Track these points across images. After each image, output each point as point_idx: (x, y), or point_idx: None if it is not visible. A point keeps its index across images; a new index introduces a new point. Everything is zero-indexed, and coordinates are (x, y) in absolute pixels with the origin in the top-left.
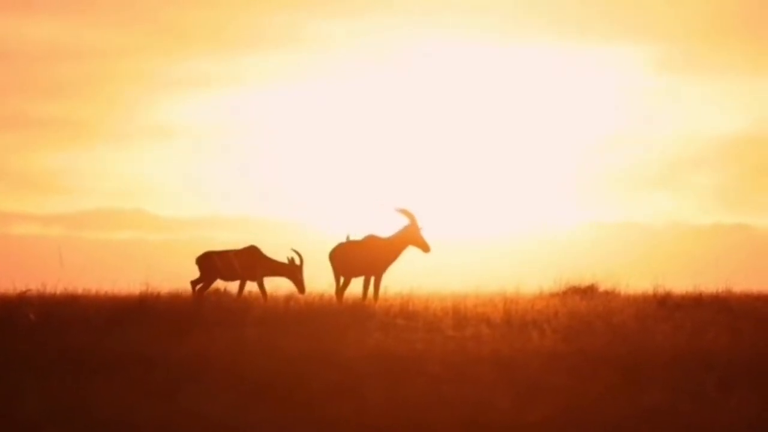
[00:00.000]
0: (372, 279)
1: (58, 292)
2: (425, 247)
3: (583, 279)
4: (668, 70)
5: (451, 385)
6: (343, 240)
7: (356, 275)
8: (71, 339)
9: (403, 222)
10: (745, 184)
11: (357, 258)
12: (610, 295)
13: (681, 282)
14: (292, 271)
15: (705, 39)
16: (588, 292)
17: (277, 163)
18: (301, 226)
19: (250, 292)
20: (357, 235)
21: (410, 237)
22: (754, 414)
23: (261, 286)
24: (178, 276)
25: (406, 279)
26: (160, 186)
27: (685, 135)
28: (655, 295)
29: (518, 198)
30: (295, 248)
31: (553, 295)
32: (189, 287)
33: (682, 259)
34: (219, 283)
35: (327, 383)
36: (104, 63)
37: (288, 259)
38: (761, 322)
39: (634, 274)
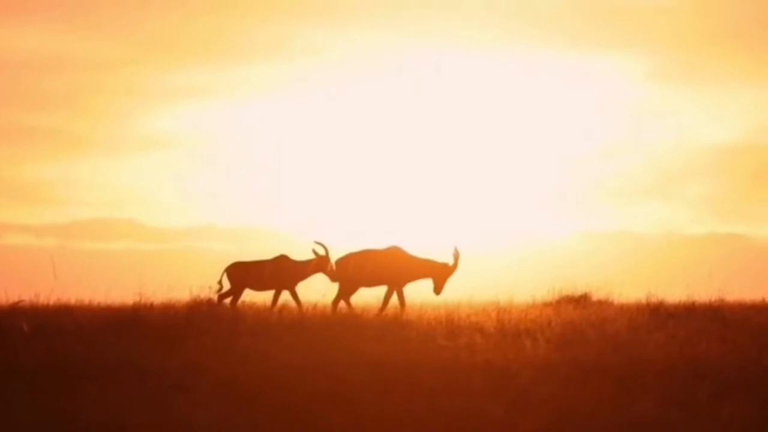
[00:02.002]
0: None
1: (51, 302)
2: (439, 290)
3: (577, 288)
4: (661, 80)
5: (445, 394)
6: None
7: (374, 285)
8: (64, 349)
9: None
10: (739, 193)
11: (377, 267)
12: (603, 305)
13: (674, 291)
14: (320, 264)
15: (698, 48)
16: (581, 301)
17: (269, 173)
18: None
19: (243, 302)
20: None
21: (437, 273)
22: (747, 424)
23: (294, 294)
24: (171, 286)
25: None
26: (152, 196)
27: (679, 144)
28: (648, 305)
29: (511, 207)
30: (317, 240)
31: (546, 305)
32: (181, 297)
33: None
34: (211, 293)
35: (320, 393)
36: (97, 74)
37: (313, 252)
38: (754, 332)
39: (628, 283)
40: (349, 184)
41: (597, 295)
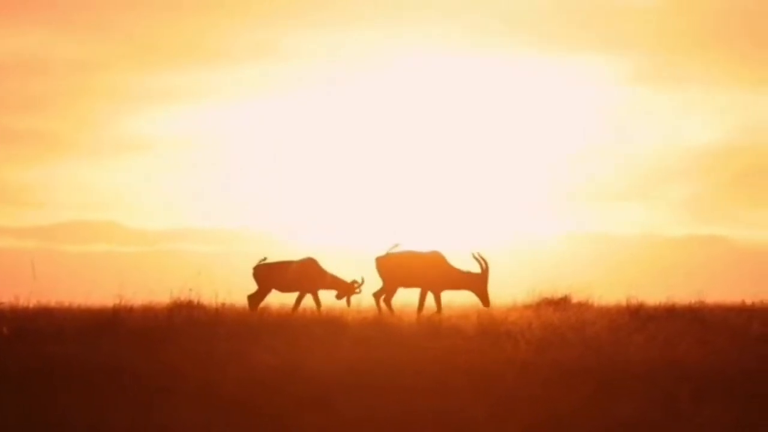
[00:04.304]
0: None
1: (31, 304)
2: (485, 301)
3: (557, 290)
4: (643, 82)
5: (426, 397)
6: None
7: (411, 286)
8: (44, 351)
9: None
10: (718, 195)
11: (416, 269)
12: (583, 307)
13: (654, 293)
14: (347, 288)
15: (679, 51)
16: (561, 303)
17: (250, 176)
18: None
19: (223, 304)
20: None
21: (472, 285)
22: (727, 425)
23: (315, 296)
24: (151, 289)
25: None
26: (133, 199)
27: (659, 147)
28: (628, 307)
29: (492, 209)
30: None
31: (526, 307)
32: (162, 299)
33: (656, 270)
34: (191, 295)
35: (299, 396)
36: (77, 77)
37: (354, 281)
38: (734, 334)
39: (608, 285)
40: (331, 186)
41: (577, 297)
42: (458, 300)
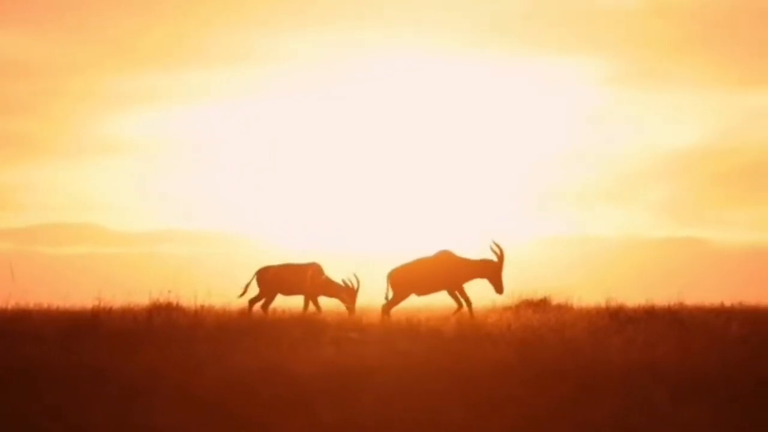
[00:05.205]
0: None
1: (9, 307)
2: (500, 288)
3: (536, 292)
4: (620, 85)
5: (404, 399)
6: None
7: (430, 292)
8: (23, 354)
9: (489, 255)
10: (697, 197)
11: (430, 274)
12: (562, 309)
13: (633, 295)
14: (348, 294)
15: (657, 53)
16: (541, 305)
17: (229, 177)
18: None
19: (202, 306)
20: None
21: (489, 272)
22: (706, 427)
23: (315, 301)
24: (130, 290)
25: (359, 293)
26: (111, 201)
27: (637, 149)
28: (607, 309)
29: (471, 211)
30: (356, 274)
31: (506, 309)
32: (140, 301)
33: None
34: (171, 297)
35: (278, 398)
36: (56, 79)
37: (344, 281)
38: (713, 336)
39: (587, 287)
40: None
41: (557, 299)
42: (437, 301)
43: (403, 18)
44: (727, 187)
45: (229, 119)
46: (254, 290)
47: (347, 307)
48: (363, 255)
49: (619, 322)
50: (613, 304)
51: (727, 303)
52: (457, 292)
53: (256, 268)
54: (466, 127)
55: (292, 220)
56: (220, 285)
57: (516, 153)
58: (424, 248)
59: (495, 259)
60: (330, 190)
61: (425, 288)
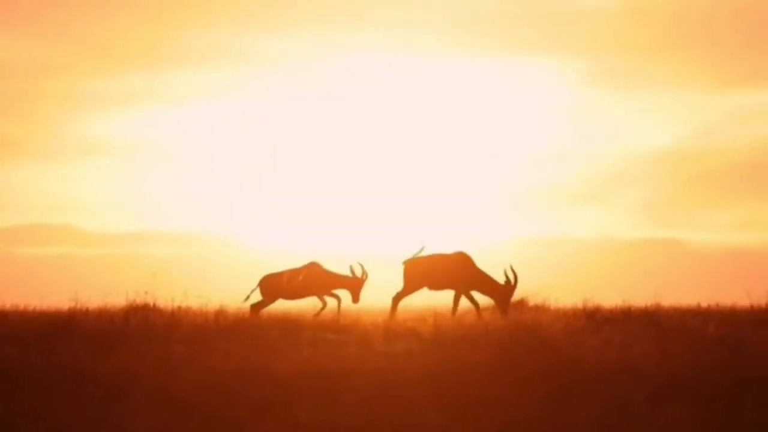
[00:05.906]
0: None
1: None
2: (504, 313)
3: (514, 293)
4: (596, 85)
5: (382, 401)
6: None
7: (439, 288)
8: (0, 355)
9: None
10: (674, 198)
11: (444, 271)
12: (540, 309)
13: (610, 296)
14: (354, 283)
15: (634, 54)
16: (518, 306)
17: (204, 179)
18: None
19: (179, 307)
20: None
21: (500, 294)
22: (683, 428)
23: (322, 299)
24: (106, 291)
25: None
26: (88, 202)
27: (614, 150)
28: (584, 309)
29: (449, 212)
30: (360, 262)
31: (483, 310)
32: (117, 302)
33: (612, 273)
34: (147, 298)
35: (256, 400)
36: (32, 80)
37: (351, 269)
38: (690, 337)
39: (564, 288)
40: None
41: (534, 300)
42: (414, 303)
43: (379, 19)
44: (704, 188)
45: (209, 120)
46: (257, 296)
47: (352, 295)
48: (347, 256)
49: (596, 323)
50: (590, 305)
51: (704, 304)
52: (466, 297)
53: (251, 272)
54: (445, 126)
55: (270, 220)
56: (197, 286)
57: (494, 153)
58: (403, 249)
59: (508, 282)
60: (308, 191)
61: (437, 283)
